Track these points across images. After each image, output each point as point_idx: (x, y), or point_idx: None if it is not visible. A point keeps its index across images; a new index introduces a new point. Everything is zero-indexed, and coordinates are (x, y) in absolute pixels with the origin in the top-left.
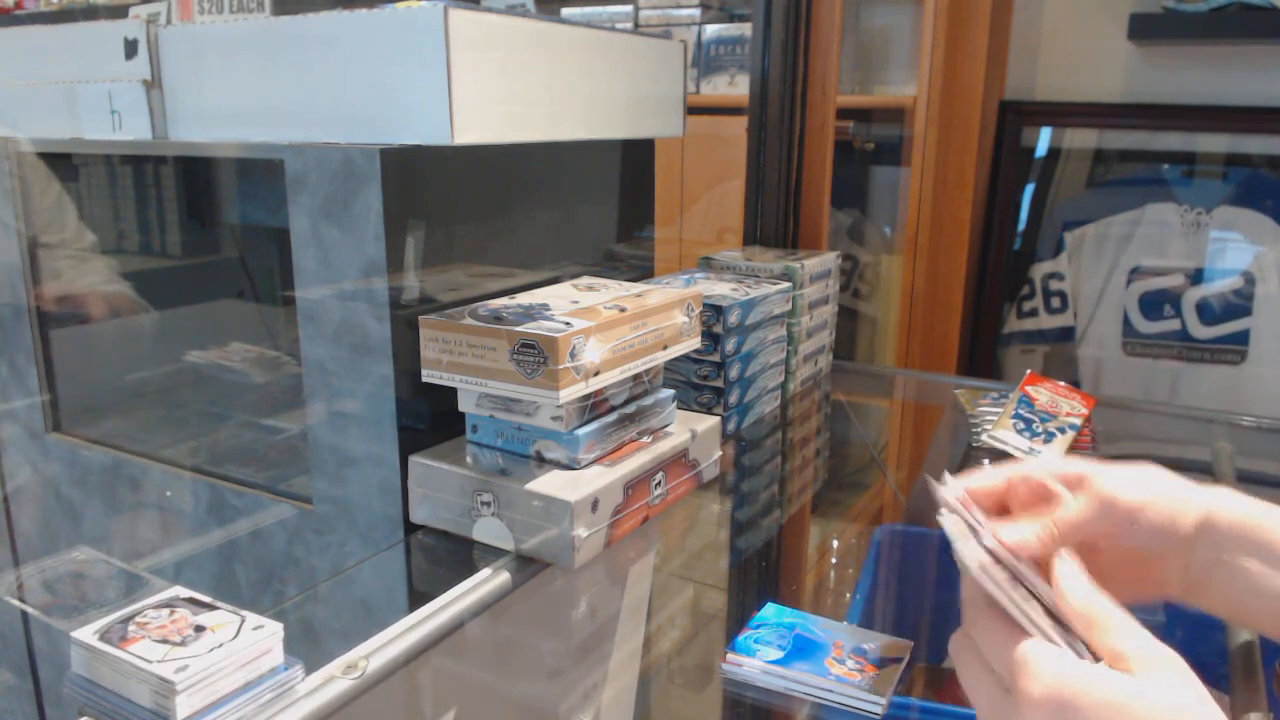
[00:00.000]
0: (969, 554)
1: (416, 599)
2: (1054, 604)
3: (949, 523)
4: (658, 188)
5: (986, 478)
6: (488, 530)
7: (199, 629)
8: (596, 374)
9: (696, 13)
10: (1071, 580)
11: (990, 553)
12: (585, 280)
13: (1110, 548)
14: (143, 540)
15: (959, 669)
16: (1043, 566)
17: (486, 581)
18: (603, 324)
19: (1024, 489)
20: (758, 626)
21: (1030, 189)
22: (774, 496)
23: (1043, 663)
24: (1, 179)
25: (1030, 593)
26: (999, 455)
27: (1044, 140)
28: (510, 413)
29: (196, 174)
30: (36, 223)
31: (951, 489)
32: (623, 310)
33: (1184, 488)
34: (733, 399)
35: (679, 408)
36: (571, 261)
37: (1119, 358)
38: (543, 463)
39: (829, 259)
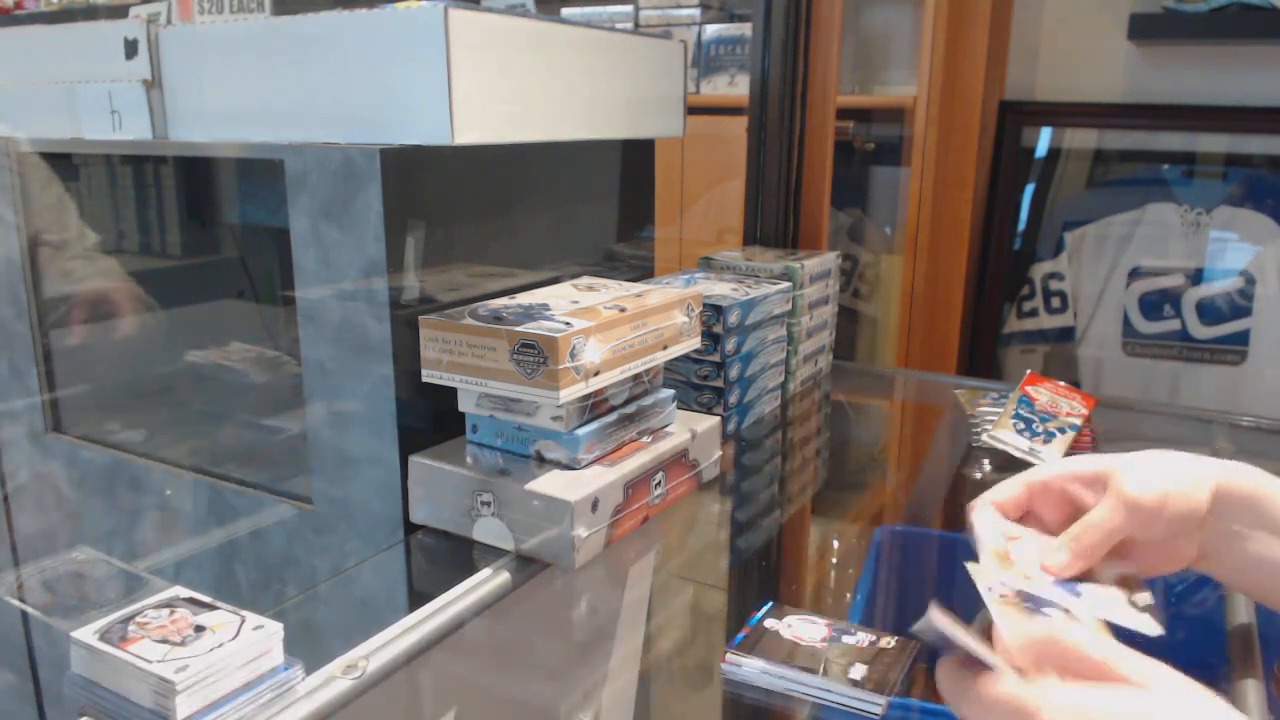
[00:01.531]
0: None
1: (416, 599)
2: None
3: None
4: (658, 188)
5: (1006, 489)
6: (488, 530)
7: (199, 629)
8: (596, 374)
9: (696, 13)
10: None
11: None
12: (585, 280)
13: (1137, 538)
14: (143, 540)
15: None
16: (1087, 576)
17: (486, 581)
18: (603, 324)
19: (1045, 496)
20: None
21: (1030, 189)
22: (774, 496)
23: (996, 688)
24: (2, 178)
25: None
26: (999, 455)
27: (1044, 140)
28: (510, 413)
29: (196, 174)
30: (36, 222)
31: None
32: (623, 310)
33: (1196, 468)
34: (733, 399)
35: (679, 408)
36: (571, 261)
37: (1119, 358)
38: (543, 463)
39: (829, 259)
